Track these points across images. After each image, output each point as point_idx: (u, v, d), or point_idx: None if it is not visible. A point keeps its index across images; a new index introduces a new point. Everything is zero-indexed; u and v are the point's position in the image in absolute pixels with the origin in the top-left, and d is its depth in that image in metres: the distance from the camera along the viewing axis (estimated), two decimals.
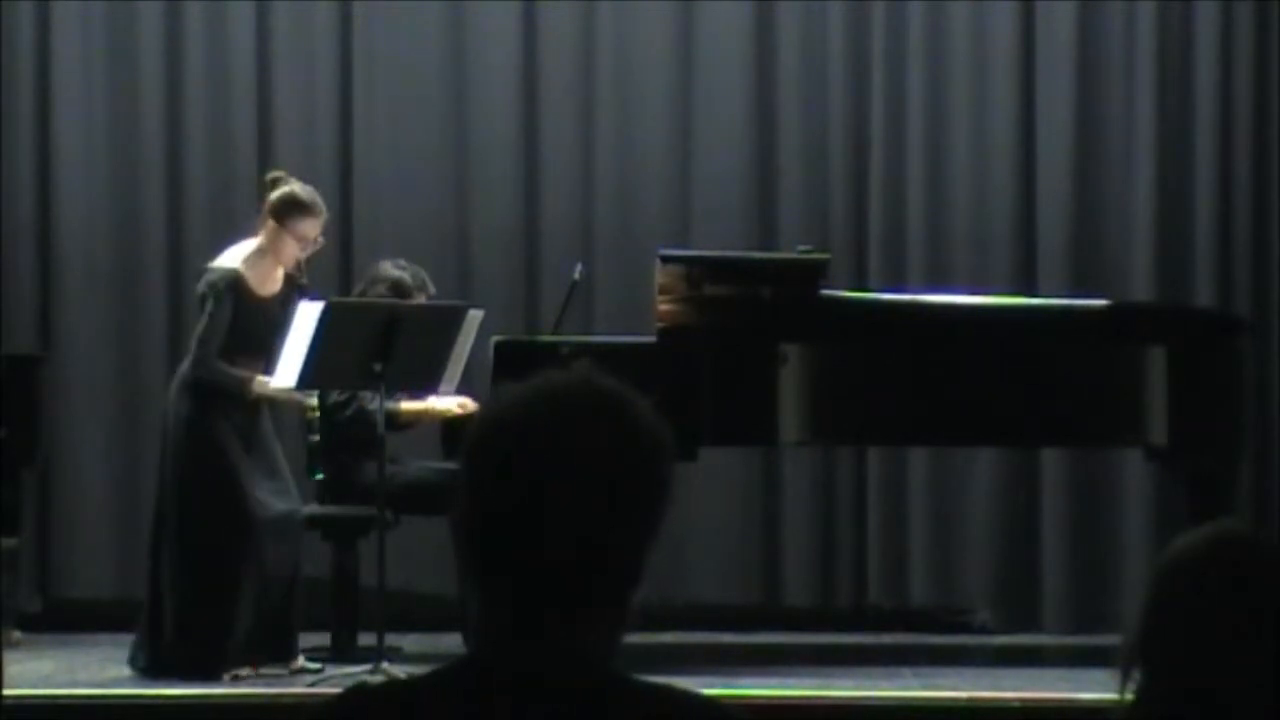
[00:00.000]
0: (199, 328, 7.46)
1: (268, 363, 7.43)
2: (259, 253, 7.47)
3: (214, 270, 7.48)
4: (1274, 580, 2.43)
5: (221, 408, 7.39)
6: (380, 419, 7.39)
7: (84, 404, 9.28)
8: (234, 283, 7.40)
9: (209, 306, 7.40)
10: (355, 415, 7.91)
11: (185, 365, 7.52)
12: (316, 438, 8.01)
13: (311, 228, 7.44)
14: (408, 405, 8.00)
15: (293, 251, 7.44)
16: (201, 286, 7.51)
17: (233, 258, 7.49)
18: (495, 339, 7.81)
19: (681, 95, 9.43)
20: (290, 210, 7.43)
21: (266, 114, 9.41)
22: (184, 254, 9.27)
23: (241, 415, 7.43)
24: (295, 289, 7.49)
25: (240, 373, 7.38)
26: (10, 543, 8.43)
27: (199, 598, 7.35)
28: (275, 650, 7.42)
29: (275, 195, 7.46)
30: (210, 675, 7.26)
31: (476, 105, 9.44)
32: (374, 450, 7.45)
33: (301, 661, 7.49)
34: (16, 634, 8.35)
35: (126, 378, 9.33)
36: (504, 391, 2.08)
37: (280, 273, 7.51)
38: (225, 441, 7.39)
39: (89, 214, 9.36)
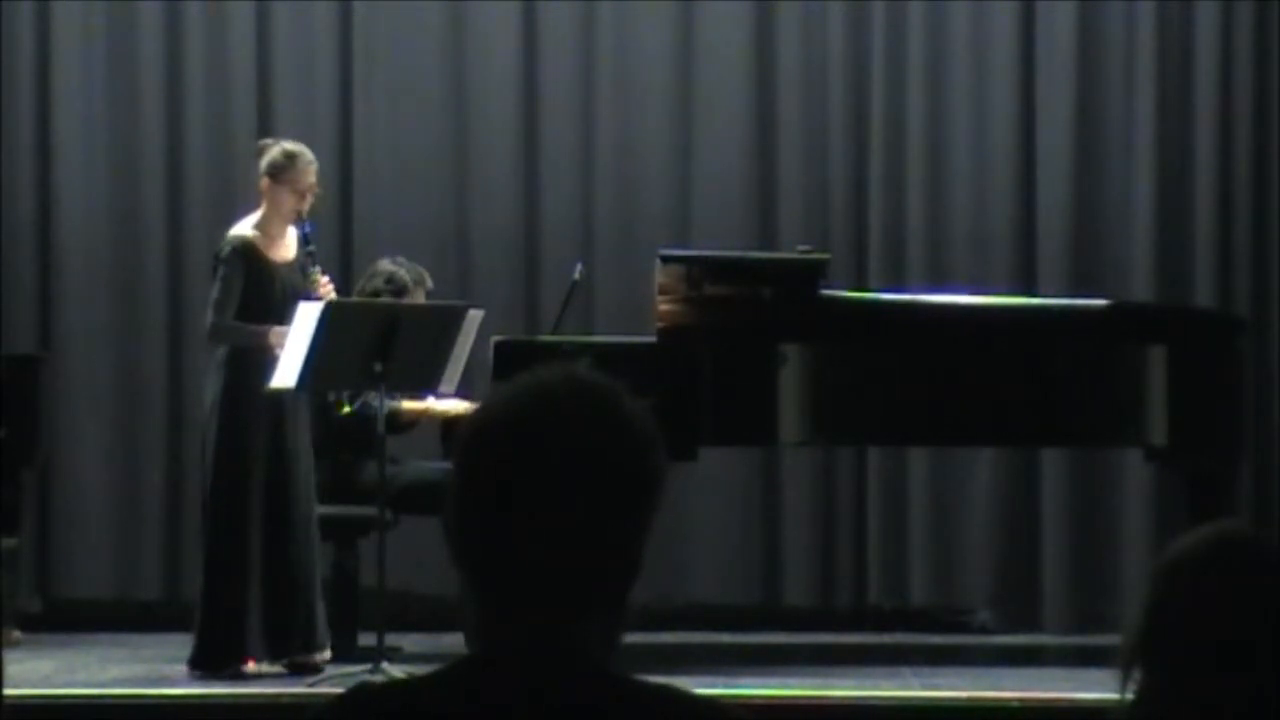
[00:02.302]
0: (212, 295, 7.52)
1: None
2: (264, 217, 7.58)
3: (225, 239, 7.58)
4: (1274, 580, 2.43)
5: (253, 390, 7.39)
6: (381, 419, 7.40)
7: (84, 404, 9.28)
8: (243, 248, 7.49)
9: (220, 272, 7.49)
10: (359, 413, 7.91)
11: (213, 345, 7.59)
12: (348, 408, 8.01)
13: (304, 176, 7.54)
14: (410, 405, 8.02)
15: (292, 204, 7.53)
16: (213, 258, 7.61)
17: (242, 226, 7.60)
18: (495, 339, 7.81)
19: (681, 95, 9.43)
20: (281, 166, 7.54)
21: (266, 114, 9.40)
22: (184, 253, 9.28)
23: (273, 401, 7.42)
24: (309, 254, 7.52)
25: (258, 326, 7.42)
26: (10, 543, 8.43)
27: (213, 587, 7.41)
28: (297, 644, 7.46)
29: (265, 159, 7.58)
30: (221, 670, 7.29)
31: (476, 105, 9.44)
32: (374, 450, 7.45)
33: (323, 656, 7.52)
34: (16, 634, 8.35)
35: (126, 378, 9.33)
36: (494, 391, 2.08)
37: (293, 237, 7.58)
38: (250, 427, 7.41)
39: (89, 214, 9.37)
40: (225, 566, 7.40)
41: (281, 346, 7.27)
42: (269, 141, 7.75)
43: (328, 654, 7.56)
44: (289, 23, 9.47)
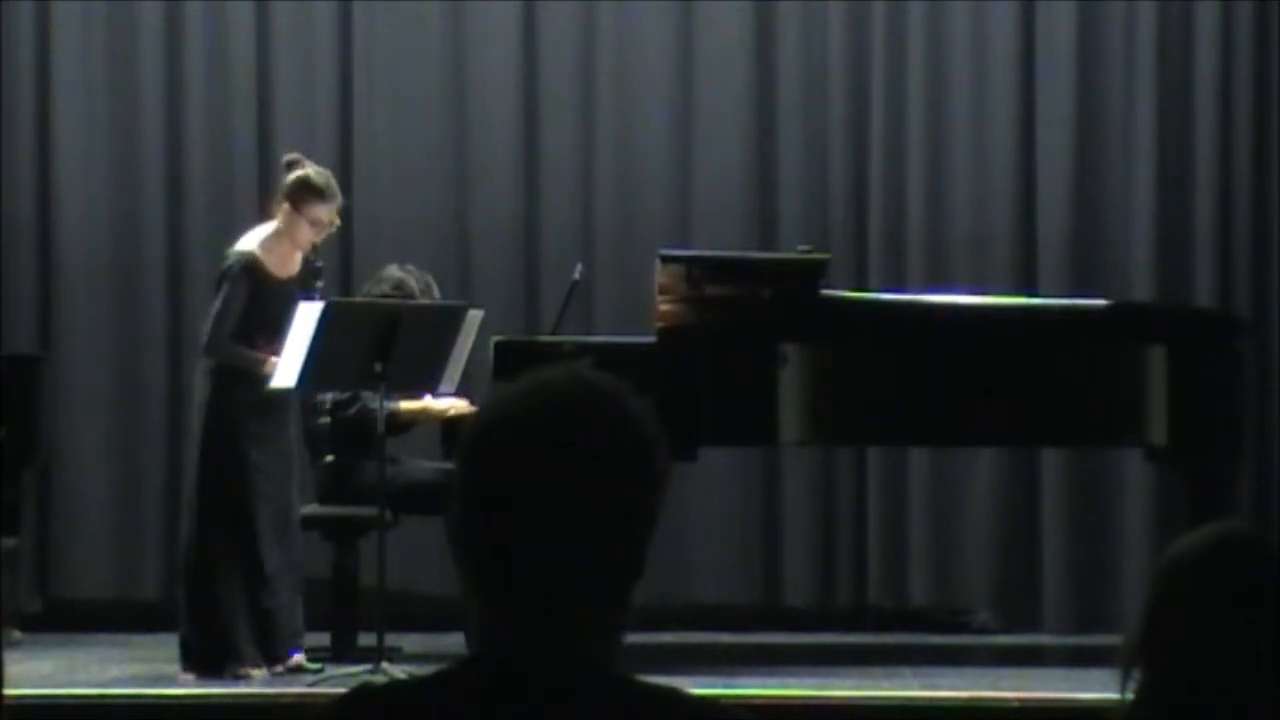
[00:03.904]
0: (213, 309, 7.49)
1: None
2: (275, 235, 7.51)
3: (231, 254, 7.53)
4: (1274, 580, 2.43)
5: (241, 396, 7.40)
6: (380, 419, 7.40)
7: (84, 404, 9.28)
8: (249, 266, 7.44)
9: (224, 289, 7.45)
10: (357, 415, 7.92)
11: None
12: (326, 420, 8.02)
13: (325, 212, 7.48)
14: (407, 405, 8.01)
15: (307, 235, 7.48)
16: (218, 270, 7.57)
17: (250, 241, 7.53)
18: (495, 339, 7.81)
19: (681, 95, 9.43)
20: (305, 194, 7.46)
21: (266, 114, 9.41)
22: (184, 254, 9.28)
23: (261, 408, 7.42)
24: (312, 273, 7.51)
25: (255, 353, 7.40)
26: (10, 543, 8.43)
27: (202, 589, 7.40)
28: (281, 647, 7.45)
29: (290, 179, 7.50)
30: (213, 671, 7.29)
31: (477, 105, 9.45)
32: (374, 450, 7.45)
33: (301, 659, 7.51)
34: (16, 634, 8.36)
35: (126, 378, 9.33)
36: (497, 391, 2.08)
37: (298, 255, 7.54)
38: (240, 430, 7.41)
39: (89, 214, 9.37)
40: (213, 569, 7.38)
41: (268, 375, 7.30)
42: (296, 158, 7.61)
43: (302, 649, 7.54)
44: (289, 23, 9.47)
